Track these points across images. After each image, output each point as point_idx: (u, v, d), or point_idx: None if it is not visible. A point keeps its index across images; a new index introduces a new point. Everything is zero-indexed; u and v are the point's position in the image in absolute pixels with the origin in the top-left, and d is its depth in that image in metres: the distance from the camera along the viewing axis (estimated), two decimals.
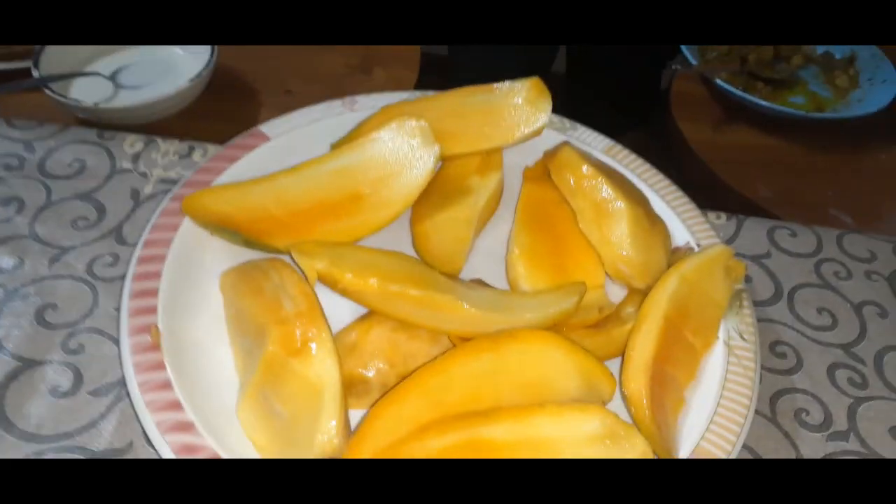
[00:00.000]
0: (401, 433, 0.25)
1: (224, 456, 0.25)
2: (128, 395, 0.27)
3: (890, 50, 0.61)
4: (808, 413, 0.32)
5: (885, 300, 0.38)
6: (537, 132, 0.36)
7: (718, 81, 0.57)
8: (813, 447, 0.31)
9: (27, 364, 0.30)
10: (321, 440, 0.24)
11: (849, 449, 0.31)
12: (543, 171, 0.37)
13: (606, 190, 0.34)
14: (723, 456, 0.27)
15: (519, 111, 0.36)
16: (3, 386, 0.29)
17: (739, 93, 0.56)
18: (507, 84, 0.36)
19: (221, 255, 0.32)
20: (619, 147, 0.39)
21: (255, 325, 0.28)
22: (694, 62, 0.59)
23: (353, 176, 0.34)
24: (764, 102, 0.56)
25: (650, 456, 0.26)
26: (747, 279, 0.37)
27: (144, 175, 0.39)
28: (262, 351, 0.27)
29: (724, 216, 0.41)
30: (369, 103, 0.39)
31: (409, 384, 0.26)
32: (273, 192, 0.33)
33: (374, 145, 0.34)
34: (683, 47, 0.60)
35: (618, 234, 0.33)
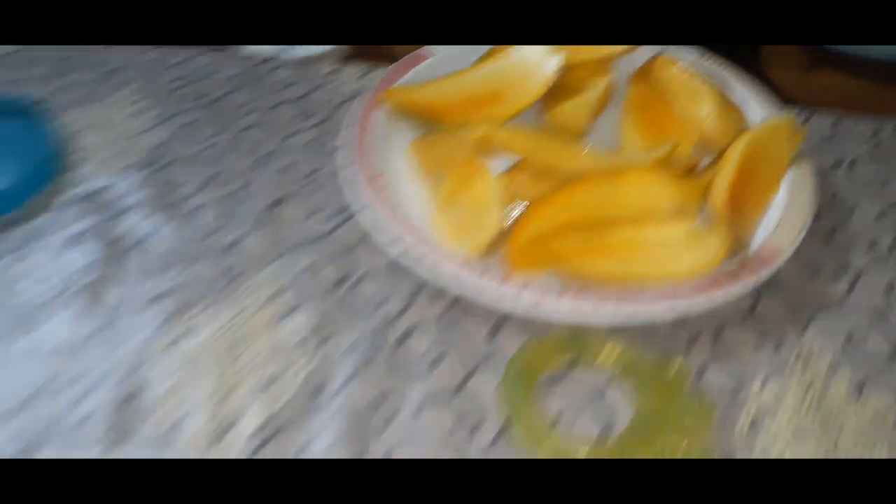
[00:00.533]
0: (544, 230, 0.37)
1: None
2: None
3: None
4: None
5: None
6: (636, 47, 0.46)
7: None
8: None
9: None
10: (491, 223, 0.36)
11: None
12: (644, 75, 0.47)
13: (694, 80, 0.44)
14: (786, 250, 0.36)
15: None
16: None
17: None
18: None
19: (407, 132, 0.44)
20: (707, 53, 0.49)
21: (437, 169, 0.40)
22: None
23: (495, 78, 0.45)
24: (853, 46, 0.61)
25: (726, 249, 0.36)
26: None
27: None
28: (446, 182, 0.39)
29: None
30: None
31: (549, 198, 0.37)
32: (442, 88, 0.45)
33: (511, 55, 0.45)
34: None
35: (705, 110, 0.43)
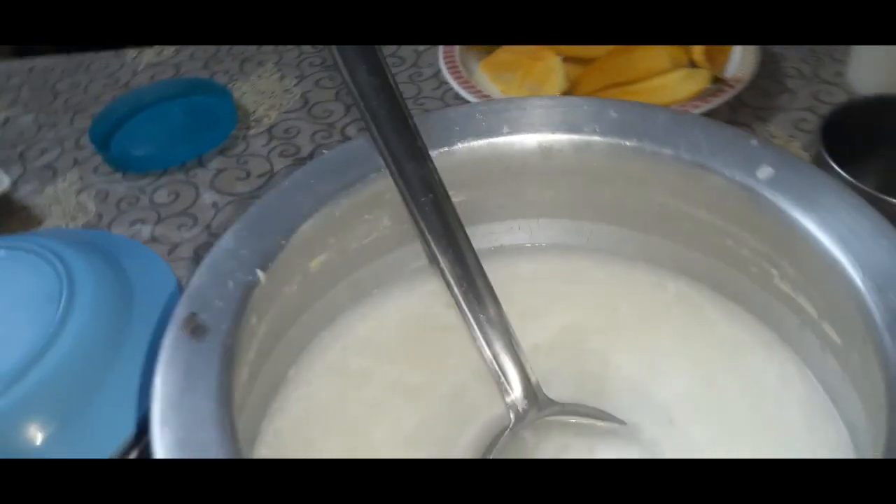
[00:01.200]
0: (592, 88, 0.56)
1: None
2: None
3: None
4: None
5: None
6: None
7: None
8: None
9: None
10: (557, 85, 0.55)
11: None
12: None
13: None
14: (745, 80, 0.56)
15: None
16: None
17: None
18: None
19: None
20: None
21: (504, 71, 0.60)
22: None
23: None
24: None
25: (707, 81, 0.55)
26: None
27: None
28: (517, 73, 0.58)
29: None
30: None
31: (591, 69, 0.57)
32: None
33: None
34: None
35: None
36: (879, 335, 0.24)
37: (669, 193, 0.32)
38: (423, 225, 0.30)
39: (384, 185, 0.32)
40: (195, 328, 0.25)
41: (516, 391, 0.29)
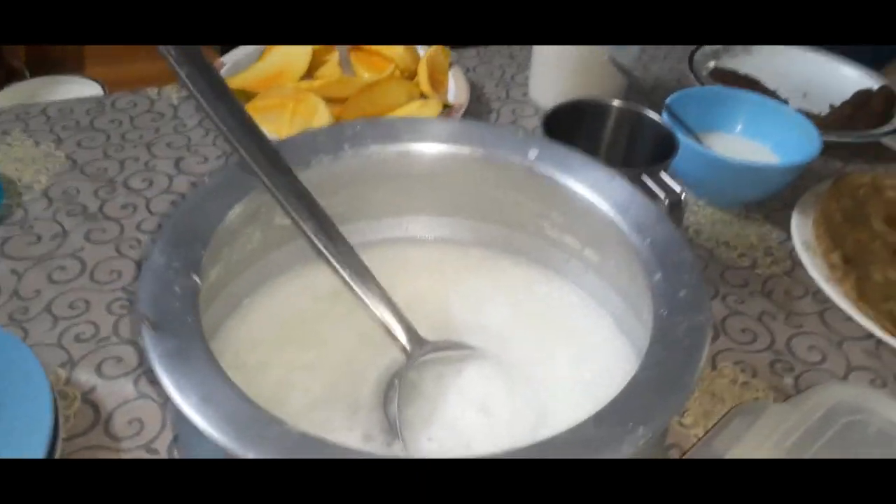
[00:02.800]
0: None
1: None
2: None
3: None
4: None
5: None
6: None
7: None
8: None
9: None
10: (323, 121, 0.64)
11: None
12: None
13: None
14: (464, 104, 0.71)
15: None
16: None
17: None
18: None
19: None
20: None
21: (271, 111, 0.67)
22: None
23: (274, 64, 0.73)
24: None
25: (440, 108, 0.69)
26: None
27: None
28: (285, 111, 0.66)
29: None
30: None
31: (346, 105, 0.67)
32: (248, 76, 0.71)
33: (278, 50, 0.74)
34: None
35: (397, 50, 0.76)
36: (630, 240, 0.37)
37: (481, 182, 0.43)
38: (307, 226, 0.36)
39: (259, 202, 0.38)
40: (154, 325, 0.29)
41: (403, 337, 0.38)
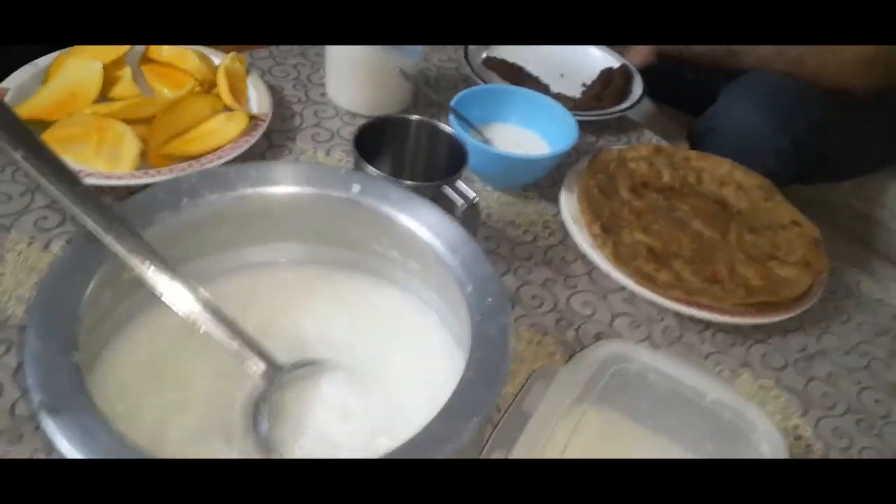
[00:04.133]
0: (159, 140, 0.67)
1: None
2: None
3: None
4: None
5: None
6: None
7: None
8: None
9: None
10: (134, 147, 0.65)
11: None
12: (146, 60, 0.78)
13: (185, 52, 0.77)
14: (268, 112, 0.74)
15: None
16: None
17: None
18: None
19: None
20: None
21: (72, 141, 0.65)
22: None
23: (64, 86, 0.71)
24: None
25: (246, 119, 0.71)
26: None
27: None
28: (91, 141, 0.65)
29: None
30: None
31: (152, 126, 0.67)
32: (38, 101, 0.68)
33: (68, 66, 0.71)
34: None
35: (192, 63, 0.77)
36: (445, 259, 0.45)
37: (313, 214, 0.49)
38: (149, 274, 0.39)
39: (111, 266, 0.41)
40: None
41: (260, 366, 0.43)
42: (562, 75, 0.95)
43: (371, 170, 0.57)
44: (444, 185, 0.57)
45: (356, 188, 0.47)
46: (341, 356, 0.47)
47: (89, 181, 0.62)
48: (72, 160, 0.64)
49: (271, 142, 0.75)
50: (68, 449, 0.31)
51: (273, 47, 0.89)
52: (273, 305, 0.50)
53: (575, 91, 0.92)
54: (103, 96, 0.71)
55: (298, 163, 0.70)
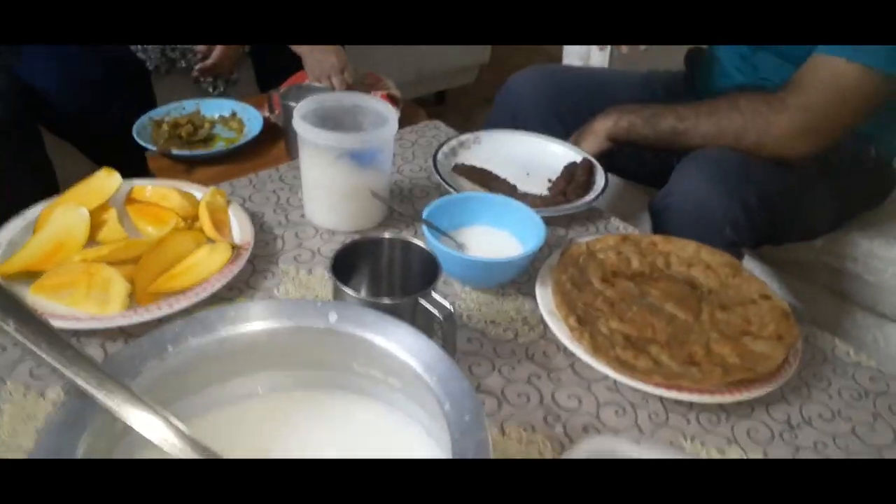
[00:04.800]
0: (140, 278, 0.69)
1: None
2: None
3: None
4: None
5: None
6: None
7: None
8: None
9: None
10: (122, 289, 0.67)
11: None
12: (130, 201, 0.81)
13: (163, 189, 0.81)
14: (250, 240, 0.77)
15: None
16: None
17: None
18: None
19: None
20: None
21: (63, 287, 0.68)
22: None
23: (52, 237, 0.74)
24: None
25: (230, 252, 0.74)
26: None
27: None
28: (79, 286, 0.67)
29: None
30: None
31: (140, 265, 0.70)
32: (28, 254, 0.71)
33: (55, 219, 0.75)
34: None
35: (174, 201, 0.80)
36: (422, 377, 0.47)
37: (295, 344, 0.51)
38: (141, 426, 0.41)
39: (103, 421, 0.42)
40: None
41: None
42: (528, 174, 0.99)
43: (349, 292, 0.59)
44: (421, 298, 0.59)
45: (333, 317, 0.50)
46: None
47: (82, 326, 0.65)
48: (63, 305, 0.67)
49: (255, 267, 0.78)
50: None
51: (252, 174, 0.93)
52: (261, 433, 0.51)
53: (541, 188, 0.97)
54: (91, 240, 0.75)
55: (275, 299, 0.73)
